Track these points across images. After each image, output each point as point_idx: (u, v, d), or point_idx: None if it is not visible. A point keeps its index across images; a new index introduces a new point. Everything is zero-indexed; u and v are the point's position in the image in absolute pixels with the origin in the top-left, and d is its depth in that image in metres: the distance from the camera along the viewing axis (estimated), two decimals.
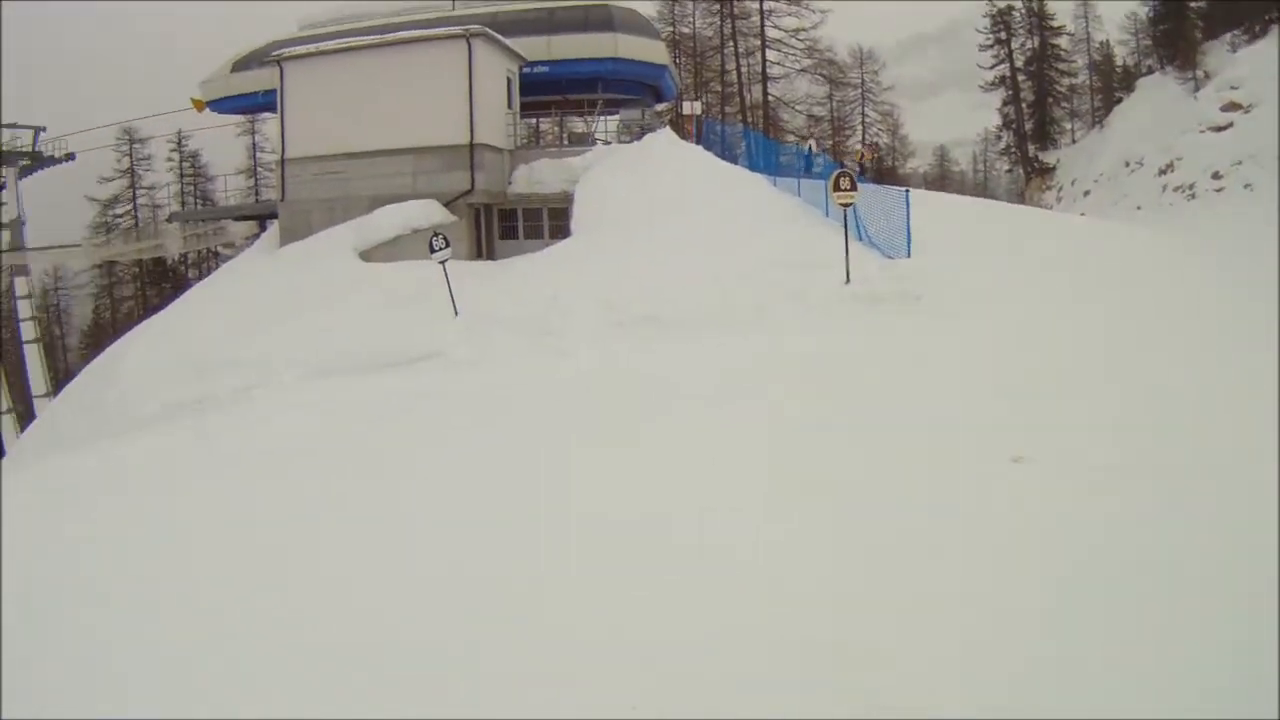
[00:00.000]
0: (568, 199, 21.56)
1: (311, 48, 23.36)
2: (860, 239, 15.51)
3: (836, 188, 14.52)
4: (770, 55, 50.75)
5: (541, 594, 5.44)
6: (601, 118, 29.06)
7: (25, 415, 35.65)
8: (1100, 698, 3.68)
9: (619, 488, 7.12)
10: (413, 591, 5.66)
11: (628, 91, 28.74)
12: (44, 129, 36.05)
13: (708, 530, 5.99)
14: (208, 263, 49.11)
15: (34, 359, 35.74)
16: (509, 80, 24.42)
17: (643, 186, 20.26)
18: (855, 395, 9.17)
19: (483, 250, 22.92)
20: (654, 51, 27.93)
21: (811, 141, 34.75)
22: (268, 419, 12.27)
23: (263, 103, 27.93)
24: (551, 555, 5.94)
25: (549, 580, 5.59)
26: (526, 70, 25.43)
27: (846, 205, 14.55)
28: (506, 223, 23.77)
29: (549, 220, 23.08)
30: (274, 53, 23.99)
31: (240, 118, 41.46)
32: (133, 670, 5.38)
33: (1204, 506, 5.72)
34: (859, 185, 14.89)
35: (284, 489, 8.47)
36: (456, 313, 15.80)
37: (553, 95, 27.14)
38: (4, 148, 35.10)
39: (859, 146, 44.91)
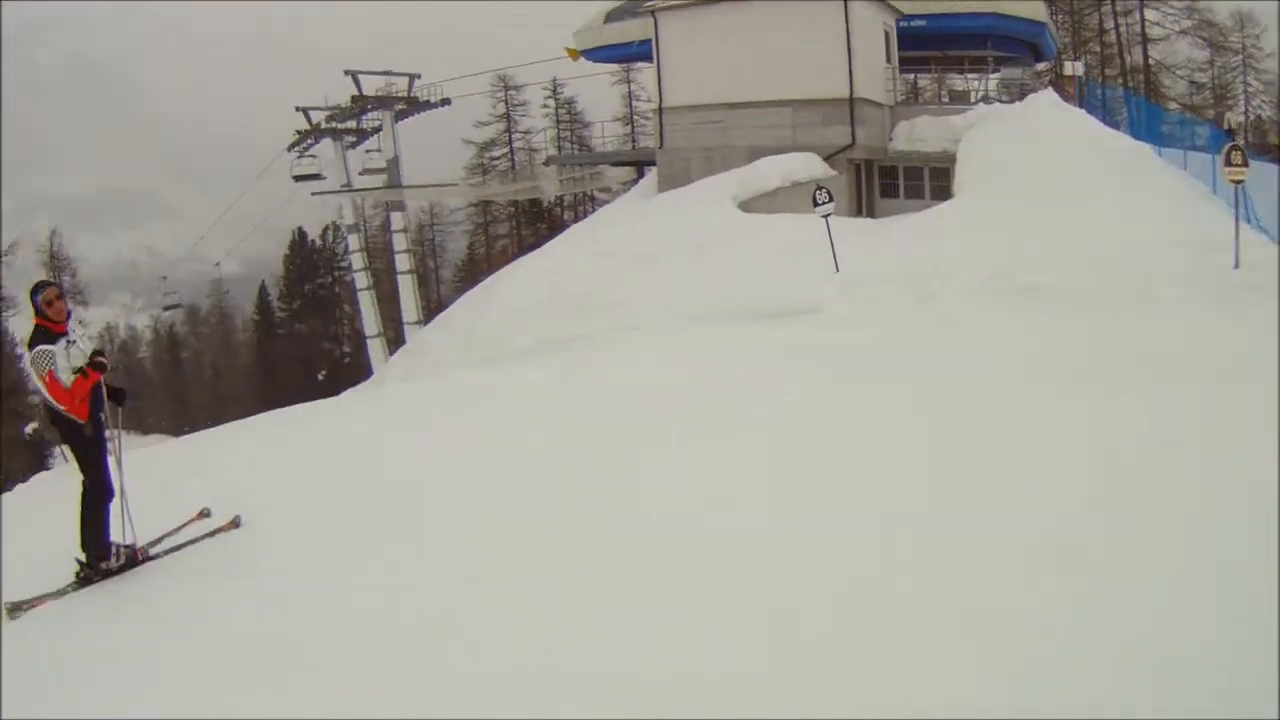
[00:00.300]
0: (949, 159, 20.92)
1: None
2: (1249, 221, 13.92)
3: (1228, 163, 13.09)
4: (1149, 15, 47.04)
5: None
6: (982, 76, 27.95)
7: (395, 340, 39.06)
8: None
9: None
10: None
11: (1006, 49, 27.67)
12: (419, 75, 38.77)
13: None
14: (583, 206, 52.34)
15: (407, 288, 39.06)
16: (886, 33, 24.18)
17: (1026, 149, 19.46)
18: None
19: (862, 207, 22.95)
20: (1031, 7, 26.71)
21: (1229, 116, 31.95)
22: (637, 359, 12.82)
23: (636, 52, 28.95)
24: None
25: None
26: (903, 24, 24.98)
27: (1237, 182, 13.05)
28: (886, 180, 23.62)
29: (930, 180, 22.67)
30: (646, 4, 24.65)
31: (614, 66, 43.02)
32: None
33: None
34: (1250, 162, 13.37)
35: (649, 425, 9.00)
36: (837, 269, 15.64)
37: (929, 51, 26.43)
38: (381, 93, 38.38)
39: (1239, 118, 40.88)
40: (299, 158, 39.00)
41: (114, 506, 7.20)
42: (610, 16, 30.59)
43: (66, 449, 7.49)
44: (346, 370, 54.54)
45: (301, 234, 61.28)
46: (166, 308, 48.75)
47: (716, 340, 13.20)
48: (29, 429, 45.84)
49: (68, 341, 6.93)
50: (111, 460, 7.31)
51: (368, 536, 7.12)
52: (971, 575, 4.98)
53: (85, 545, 7.09)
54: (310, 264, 61.99)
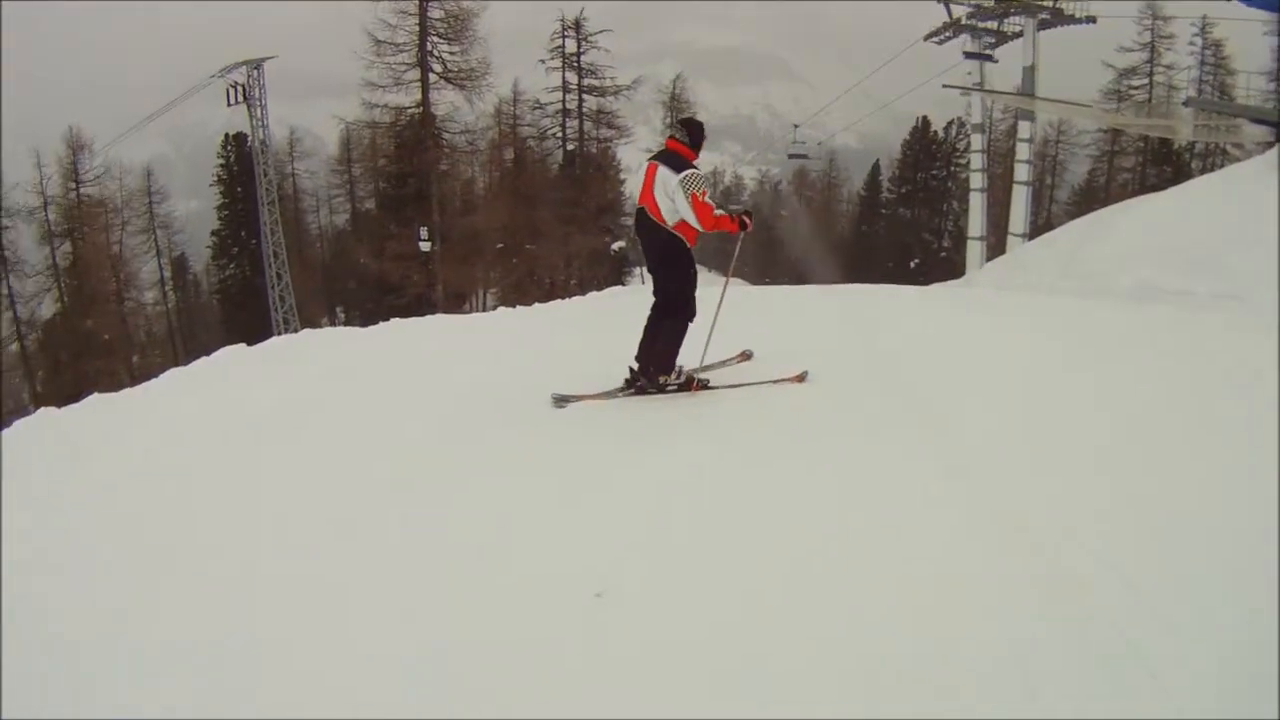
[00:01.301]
0: None
1: None
2: None
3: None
4: None
5: None
6: None
7: (997, 247, 41.84)
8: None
9: None
10: None
11: None
12: None
13: None
14: (1214, 157, 50.43)
15: (1019, 199, 40.26)
16: None
17: None
18: None
19: None
20: None
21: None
22: (1236, 330, 11.26)
23: None
24: None
25: None
26: None
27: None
28: None
29: None
30: None
31: (1269, 15, 40.21)
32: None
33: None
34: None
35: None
36: None
37: None
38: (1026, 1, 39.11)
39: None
40: (971, 38, 41.06)
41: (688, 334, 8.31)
42: None
43: (647, 270, 8.55)
44: (940, 264, 57.79)
45: (925, 123, 64.59)
46: (792, 155, 52.83)
47: None
48: (616, 246, 51.80)
49: None
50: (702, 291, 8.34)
51: (919, 424, 7.16)
52: None
53: (653, 357, 8.22)
54: (928, 154, 64.80)
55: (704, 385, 8.44)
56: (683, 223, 7.98)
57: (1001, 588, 4.56)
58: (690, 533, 5.27)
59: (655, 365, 8.23)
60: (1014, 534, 5.11)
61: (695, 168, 7.94)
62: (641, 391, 8.25)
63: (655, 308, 8.39)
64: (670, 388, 8.30)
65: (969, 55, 41.20)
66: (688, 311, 8.22)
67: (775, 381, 8.42)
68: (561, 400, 7.98)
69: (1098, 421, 7.06)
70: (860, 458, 6.42)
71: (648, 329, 8.37)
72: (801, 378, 8.48)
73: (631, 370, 8.34)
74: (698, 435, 7.18)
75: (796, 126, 50.46)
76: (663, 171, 7.93)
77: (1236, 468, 5.86)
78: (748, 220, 8.19)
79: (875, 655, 4.02)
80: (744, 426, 7.35)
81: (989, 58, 41.00)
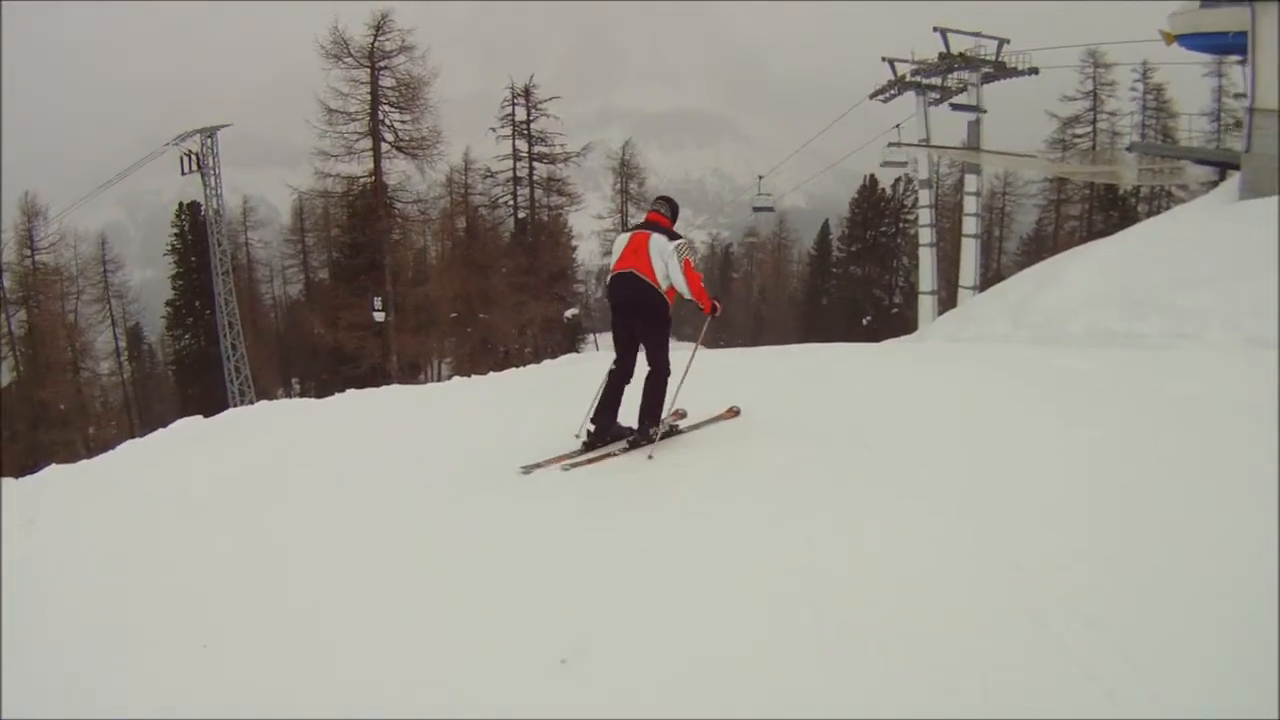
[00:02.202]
0: None
1: None
2: None
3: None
4: None
5: None
6: None
7: (948, 301, 42.03)
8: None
9: None
10: None
11: None
12: (1008, 41, 40.10)
13: None
14: (1159, 200, 51.12)
15: (969, 252, 40.87)
16: None
17: None
18: None
19: None
20: None
21: None
22: (1193, 369, 10.98)
23: (1231, 44, 27.38)
24: None
25: None
26: None
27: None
28: None
29: None
30: None
31: (1207, 57, 40.89)
32: None
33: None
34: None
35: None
36: None
37: None
38: (969, 53, 39.94)
39: None
40: (916, 95, 41.55)
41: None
42: (1207, 0, 28.86)
43: (614, 334, 8.90)
44: (892, 321, 57.93)
45: (873, 180, 64.76)
46: (758, 208, 51.90)
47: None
48: (569, 313, 52.41)
49: None
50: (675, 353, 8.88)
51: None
52: None
53: (643, 413, 8.65)
54: (876, 211, 65.19)
55: (674, 429, 9.03)
56: (671, 288, 8.54)
57: (993, 603, 4.59)
58: (663, 591, 5.20)
59: (647, 420, 8.59)
60: (993, 553, 5.17)
61: (682, 237, 8.65)
62: (635, 445, 8.56)
63: (615, 373, 8.82)
64: (657, 437, 8.55)
65: (956, 107, 41.52)
66: (665, 368, 8.61)
67: (712, 420, 9.21)
68: (528, 468, 8.04)
69: (1063, 453, 7.11)
70: (838, 500, 6.41)
71: (608, 392, 8.80)
72: (735, 412, 9.47)
73: (589, 433, 8.73)
74: (663, 494, 7.14)
75: (761, 178, 49.64)
76: (657, 239, 8.49)
77: (1213, 497, 5.87)
78: (719, 306, 8.83)
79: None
80: (707, 484, 7.28)
81: (974, 108, 41.20)
